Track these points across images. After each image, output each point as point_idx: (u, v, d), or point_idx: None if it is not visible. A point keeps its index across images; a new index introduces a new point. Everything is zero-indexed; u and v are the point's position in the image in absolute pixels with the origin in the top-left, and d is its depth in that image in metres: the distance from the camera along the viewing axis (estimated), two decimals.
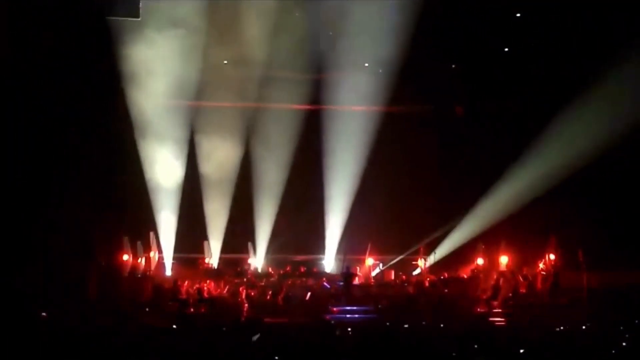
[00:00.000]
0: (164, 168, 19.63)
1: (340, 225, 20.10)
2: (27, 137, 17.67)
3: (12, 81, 17.30)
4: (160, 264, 19.32)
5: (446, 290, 18.62)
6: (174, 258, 19.68)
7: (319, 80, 19.87)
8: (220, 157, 20.20)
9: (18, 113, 17.44)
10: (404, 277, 19.79)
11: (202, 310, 17.16)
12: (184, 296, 17.78)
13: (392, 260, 20.16)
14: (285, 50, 19.23)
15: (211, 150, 20.09)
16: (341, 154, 19.94)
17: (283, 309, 17.33)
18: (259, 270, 19.91)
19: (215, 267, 19.91)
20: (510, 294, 18.21)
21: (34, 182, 17.82)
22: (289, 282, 18.69)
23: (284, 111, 20.26)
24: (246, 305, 17.54)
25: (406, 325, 15.44)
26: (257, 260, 20.05)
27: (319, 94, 19.97)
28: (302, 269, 19.54)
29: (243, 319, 16.65)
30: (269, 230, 20.08)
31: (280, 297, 18.01)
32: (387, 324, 16.08)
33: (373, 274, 19.93)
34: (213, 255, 19.93)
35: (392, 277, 19.83)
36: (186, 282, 18.45)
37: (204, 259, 19.83)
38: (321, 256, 20.03)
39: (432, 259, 19.93)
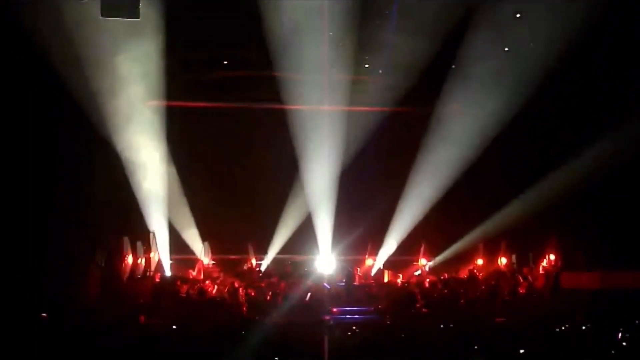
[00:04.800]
0: (161, 170, 19.70)
1: (333, 224, 20.08)
2: (25, 141, 17.70)
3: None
4: (160, 264, 19.29)
5: (446, 291, 18.58)
6: (173, 259, 19.68)
7: (308, 80, 19.91)
8: (214, 157, 20.26)
9: (16, 116, 17.46)
10: (403, 277, 19.77)
11: (203, 310, 17.12)
12: (185, 296, 17.76)
13: (391, 260, 20.16)
14: (281, 50, 19.25)
15: (204, 151, 20.14)
16: (331, 153, 19.95)
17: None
18: (260, 271, 19.90)
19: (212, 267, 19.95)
20: (510, 295, 18.17)
21: (33, 184, 17.82)
22: (289, 283, 18.65)
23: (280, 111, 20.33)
24: (245, 306, 17.51)
25: (406, 326, 15.43)
26: (258, 261, 20.04)
27: (310, 94, 19.99)
28: (303, 269, 19.56)
29: (242, 319, 16.64)
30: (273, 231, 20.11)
31: (280, 298, 17.97)
32: (387, 324, 16.08)
33: (372, 274, 19.93)
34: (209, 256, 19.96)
35: (392, 277, 19.81)
36: (186, 283, 18.47)
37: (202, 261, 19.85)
38: (317, 256, 20.00)
39: (433, 261, 19.94)
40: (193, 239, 20.09)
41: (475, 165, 20.26)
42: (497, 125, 19.91)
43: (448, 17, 18.88)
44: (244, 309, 17.35)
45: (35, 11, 17.15)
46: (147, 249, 18.94)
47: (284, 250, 20.17)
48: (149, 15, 18.15)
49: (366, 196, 20.47)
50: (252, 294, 18.00)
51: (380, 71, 20.50)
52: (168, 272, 19.46)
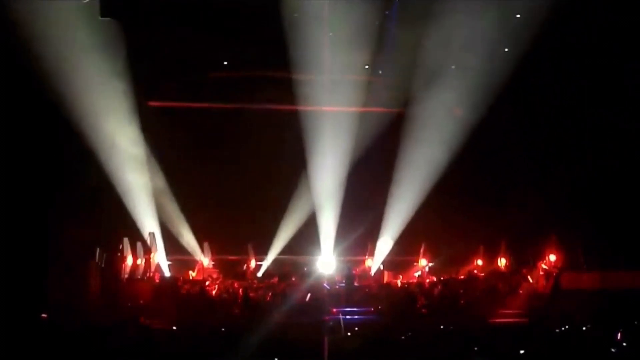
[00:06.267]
0: (161, 170, 19.75)
1: (334, 225, 20.08)
2: (24, 142, 17.72)
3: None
4: (160, 265, 19.31)
5: (446, 292, 18.57)
6: (173, 260, 19.70)
7: (311, 81, 19.92)
8: (216, 158, 20.32)
9: (14, 117, 17.49)
10: (403, 278, 19.77)
11: (203, 310, 17.16)
12: (185, 297, 17.77)
13: (391, 260, 20.16)
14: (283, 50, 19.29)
15: (204, 151, 20.20)
16: (333, 154, 19.96)
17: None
18: (260, 271, 19.91)
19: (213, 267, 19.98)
20: (510, 295, 18.16)
21: (33, 184, 17.82)
22: (289, 283, 18.66)
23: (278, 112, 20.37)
24: (245, 306, 17.52)
25: (406, 326, 15.42)
26: (259, 262, 20.05)
27: (313, 94, 20.01)
28: (303, 270, 19.56)
29: (242, 319, 16.65)
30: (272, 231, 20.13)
31: (280, 298, 17.97)
32: (387, 324, 16.08)
33: (372, 274, 19.92)
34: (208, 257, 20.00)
35: (392, 278, 19.80)
36: (187, 284, 18.49)
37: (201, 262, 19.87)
38: (318, 257, 20.00)
39: (433, 261, 19.93)
40: (193, 239, 20.09)
41: (476, 166, 20.28)
42: (497, 126, 19.94)
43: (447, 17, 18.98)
44: (244, 309, 17.36)
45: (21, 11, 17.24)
46: (147, 249, 18.96)
47: (286, 250, 20.17)
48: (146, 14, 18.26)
49: (367, 196, 20.46)
50: (252, 294, 18.02)
51: (380, 72, 20.51)
52: (168, 273, 19.48)
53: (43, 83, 17.54)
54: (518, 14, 19.46)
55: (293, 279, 18.86)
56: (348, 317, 16.77)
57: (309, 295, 17.89)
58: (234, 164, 20.53)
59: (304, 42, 19.03)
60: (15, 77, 17.28)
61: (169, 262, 19.59)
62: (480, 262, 19.81)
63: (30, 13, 17.24)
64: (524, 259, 19.35)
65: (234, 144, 20.63)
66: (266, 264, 20.06)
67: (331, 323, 15.60)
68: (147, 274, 18.71)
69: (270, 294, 18.11)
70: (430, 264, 19.86)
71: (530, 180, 19.98)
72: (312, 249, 20.16)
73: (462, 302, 17.85)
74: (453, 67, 20.39)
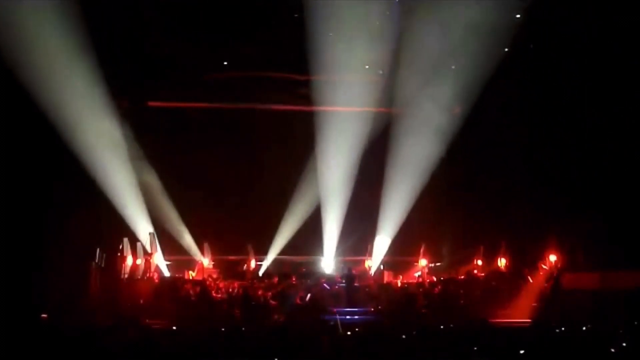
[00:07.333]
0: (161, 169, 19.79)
1: (337, 226, 20.08)
2: (27, 143, 17.76)
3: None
4: (160, 265, 19.32)
5: (446, 292, 18.59)
6: (173, 260, 19.72)
7: (314, 81, 19.95)
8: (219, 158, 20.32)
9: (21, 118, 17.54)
10: (404, 278, 19.78)
11: (203, 310, 17.17)
12: (185, 297, 17.79)
13: (391, 261, 20.17)
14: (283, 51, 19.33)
15: (205, 152, 20.22)
16: (336, 155, 19.97)
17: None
18: (260, 272, 19.92)
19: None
20: (510, 295, 18.17)
21: (34, 184, 17.84)
22: (289, 283, 18.67)
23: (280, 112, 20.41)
24: (245, 306, 17.53)
25: (406, 326, 15.42)
26: (259, 262, 20.06)
27: (312, 95, 20.03)
28: (302, 270, 19.57)
29: (242, 319, 16.68)
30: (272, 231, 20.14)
31: (280, 298, 17.99)
32: (387, 324, 16.08)
33: (372, 274, 19.93)
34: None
35: (392, 278, 19.82)
36: (187, 284, 18.52)
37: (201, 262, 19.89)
38: (320, 257, 20.02)
39: (433, 262, 19.95)
40: (194, 240, 20.12)
41: (476, 166, 20.29)
42: (498, 126, 19.96)
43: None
44: (244, 309, 17.37)
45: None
46: (147, 250, 18.97)
47: (286, 250, 20.19)
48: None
49: (368, 196, 20.46)
50: (252, 294, 18.04)
51: (381, 72, 20.53)
52: (167, 273, 19.49)
53: (40, 85, 17.59)
54: (518, 14, 19.51)
55: (293, 279, 18.88)
56: (348, 317, 16.80)
57: (309, 295, 17.91)
58: (235, 165, 20.55)
59: (303, 42, 19.05)
60: (12, 80, 17.33)
61: (168, 262, 19.62)
62: (480, 262, 19.82)
63: (27, 15, 17.29)
64: (524, 259, 19.38)
65: (235, 144, 20.67)
66: (266, 264, 20.08)
67: (331, 323, 15.60)
68: (147, 274, 18.74)
69: (270, 294, 18.13)
70: (432, 265, 19.88)
71: (530, 181, 20.01)
72: (312, 249, 20.19)
73: (462, 302, 17.86)
74: (453, 67, 20.44)
